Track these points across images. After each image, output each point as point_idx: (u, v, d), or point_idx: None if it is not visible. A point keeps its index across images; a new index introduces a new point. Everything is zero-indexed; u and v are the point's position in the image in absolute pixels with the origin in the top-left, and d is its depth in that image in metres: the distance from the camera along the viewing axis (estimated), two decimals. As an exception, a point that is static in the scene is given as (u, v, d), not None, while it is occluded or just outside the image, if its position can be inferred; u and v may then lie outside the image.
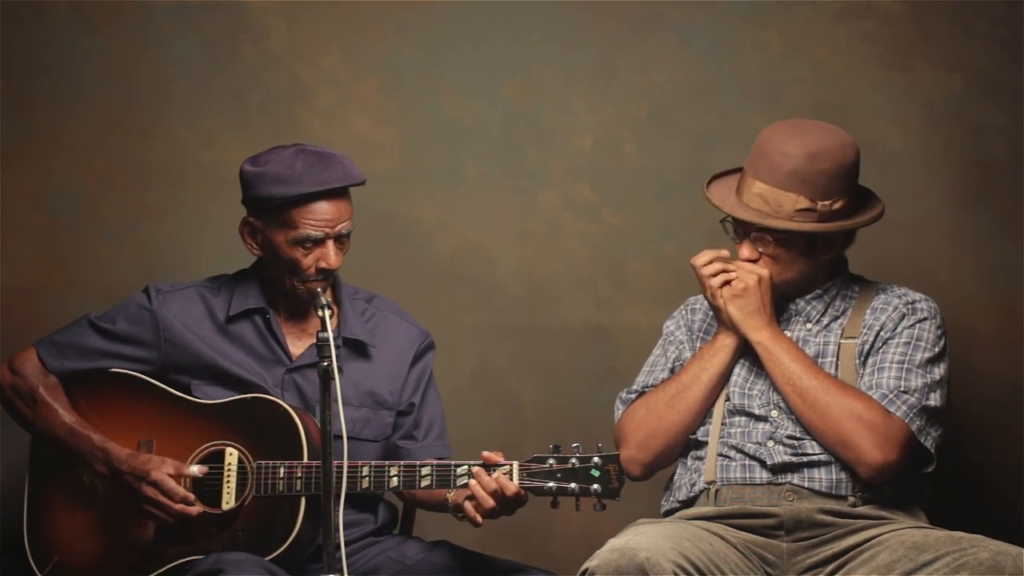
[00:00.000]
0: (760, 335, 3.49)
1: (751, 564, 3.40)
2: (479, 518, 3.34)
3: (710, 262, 3.52)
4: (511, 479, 3.31)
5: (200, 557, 3.39)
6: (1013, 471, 4.01)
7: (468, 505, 3.35)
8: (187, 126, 4.25)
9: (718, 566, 3.32)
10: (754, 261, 3.52)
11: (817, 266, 3.55)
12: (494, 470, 3.33)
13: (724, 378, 3.53)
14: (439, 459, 3.51)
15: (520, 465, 3.33)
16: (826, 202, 3.47)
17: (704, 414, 3.53)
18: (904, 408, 3.41)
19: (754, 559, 3.41)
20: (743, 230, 3.53)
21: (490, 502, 3.32)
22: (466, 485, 3.34)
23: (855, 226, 3.54)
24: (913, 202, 4.00)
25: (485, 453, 3.34)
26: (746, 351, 3.54)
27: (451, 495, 3.38)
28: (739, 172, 3.57)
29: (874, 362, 3.48)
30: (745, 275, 3.50)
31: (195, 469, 3.42)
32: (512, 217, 4.24)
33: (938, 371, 3.48)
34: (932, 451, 3.43)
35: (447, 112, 4.24)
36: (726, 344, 3.53)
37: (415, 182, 4.24)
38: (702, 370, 3.53)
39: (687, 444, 3.55)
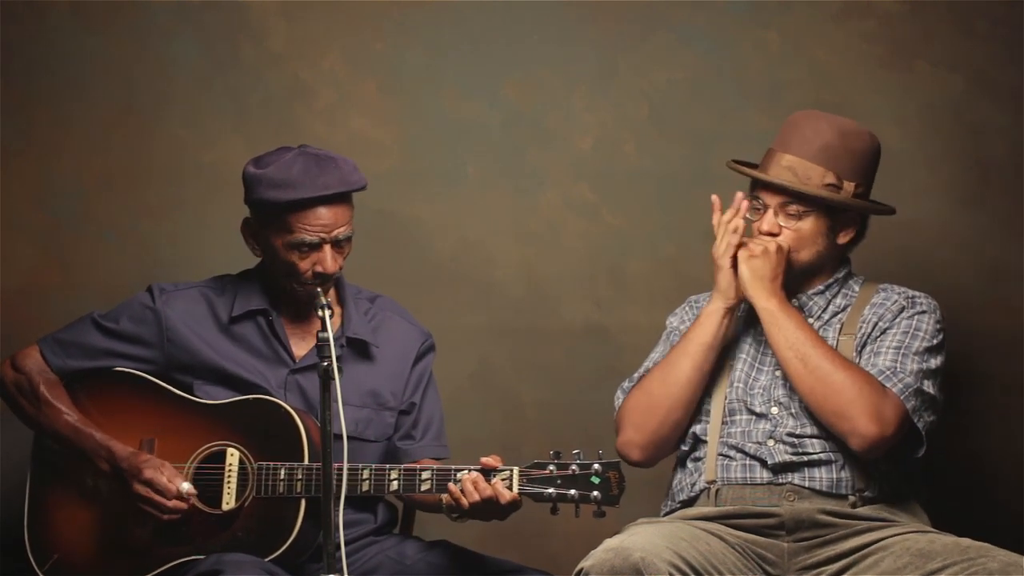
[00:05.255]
0: (769, 303, 3.46)
1: (750, 565, 3.39)
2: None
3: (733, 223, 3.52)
4: (511, 485, 3.31)
5: (200, 557, 3.39)
6: (1013, 470, 4.00)
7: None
8: (187, 126, 4.25)
9: (715, 566, 3.32)
10: (774, 236, 3.51)
11: (832, 251, 3.54)
12: (494, 475, 3.32)
13: (713, 349, 3.50)
14: (435, 459, 3.51)
15: (520, 471, 3.32)
16: (851, 184, 3.49)
17: (698, 387, 3.50)
18: (900, 386, 3.40)
19: (753, 559, 3.40)
20: (766, 205, 3.52)
21: (476, 499, 3.30)
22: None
23: (877, 211, 3.56)
24: (913, 202, 3.99)
25: (484, 459, 3.33)
26: (748, 347, 3.54)
27: (445, 497, 3.36)
28: (756, 166, 3.57)
29: (871, 349, 3.48)
30: (765, 241, 3.50)
31: (185, 486, 3.41)
32: (512, 217, 4.24)
33: (934, 362, 3.47)
34: (923, 434, 3.42)
35: (447, 112, 4.24)
36: (711, 311, 3.51)
37: (415, 182, 4.24)
38: (688, 341, 3.51)
39: (686, 439, 3.55)
